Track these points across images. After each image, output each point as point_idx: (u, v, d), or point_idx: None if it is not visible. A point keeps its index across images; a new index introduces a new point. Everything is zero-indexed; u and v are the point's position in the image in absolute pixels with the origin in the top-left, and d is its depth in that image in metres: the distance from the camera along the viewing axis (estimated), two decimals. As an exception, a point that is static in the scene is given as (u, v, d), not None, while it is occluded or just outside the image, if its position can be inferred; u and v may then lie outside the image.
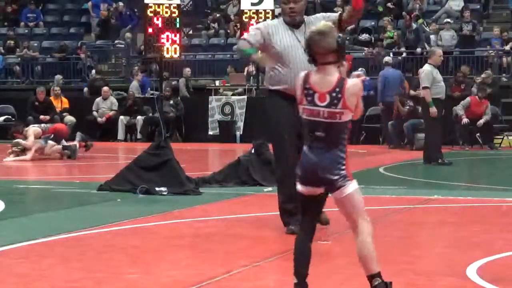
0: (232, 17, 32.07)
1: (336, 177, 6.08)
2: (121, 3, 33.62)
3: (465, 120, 22.83)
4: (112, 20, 33.72)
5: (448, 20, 29.77)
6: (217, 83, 28.43)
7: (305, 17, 9.60)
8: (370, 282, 6.01)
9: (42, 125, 20.42)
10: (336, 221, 9.28)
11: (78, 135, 20.36)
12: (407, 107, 22.74)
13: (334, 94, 6.08)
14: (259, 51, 9.61)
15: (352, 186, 6.14)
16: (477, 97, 23.35)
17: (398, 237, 8.98)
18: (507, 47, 28.68)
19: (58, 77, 30.00)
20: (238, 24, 27.86)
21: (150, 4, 20.29)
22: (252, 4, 23.46)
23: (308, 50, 6.29)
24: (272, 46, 9.34)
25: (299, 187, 6.16)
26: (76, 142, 19.90)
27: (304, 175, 6.19)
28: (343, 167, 6.12)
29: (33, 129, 19.50)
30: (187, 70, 28.61)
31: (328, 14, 9.81)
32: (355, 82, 6.17)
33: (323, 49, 6.13)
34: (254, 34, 9.68)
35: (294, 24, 9.43)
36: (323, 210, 7.58)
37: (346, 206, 6.18)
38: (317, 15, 9.90)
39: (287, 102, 9.14)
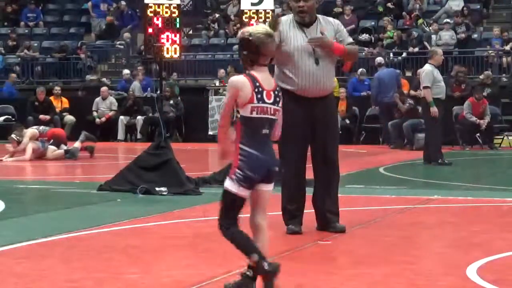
0: (232, 17, 32.13)
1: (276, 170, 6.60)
2: (123, 3, 33.68)
3: (480, 122, 22.89)
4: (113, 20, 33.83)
5: (448, 20, 29.81)
6: (217, 83, 28.44)
7: (319, 16, 9.49)
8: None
9: (41, 127, 20.40)
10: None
11: (83, 134, 20.36)
12: (407, 105, 22.76)
13: (276, 93, 6.52)
14: None
15: None
16: (476, 98, 23.42)
17: (398, 237, 8.98)
18: (507, 47, 28.71)
19: None
20: (238, 24, 27.88)
21: (150, 4, 20.24)
22: (252, 4, 23.39)
23: (252, 50, 6.50)
24: (282, 44, 9.14)
25: (242, 191, 6.41)
26: (78, 143, 19.93)
27: (257, 175, 6.42)
28: None
29: (30, 131, 19.54)
30: (174, 74, 28.78)
31: (343, 31, 9.67)
32: None
33: (270, 52, 6.53)
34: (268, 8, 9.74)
35: (304, 24, 9.30)
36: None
37: (267, 197, 6.62)
38: (332, 20, 9.73)
39: (294, 103, 9.10)
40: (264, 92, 6.41)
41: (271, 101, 6.47)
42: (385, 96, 23.71)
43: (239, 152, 6.41)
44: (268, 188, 6.57)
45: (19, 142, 19.53)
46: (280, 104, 6.56)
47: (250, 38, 6.44)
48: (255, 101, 6.36)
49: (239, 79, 6.47)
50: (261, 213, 6.68)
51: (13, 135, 19.88)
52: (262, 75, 6.46)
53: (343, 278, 7.13)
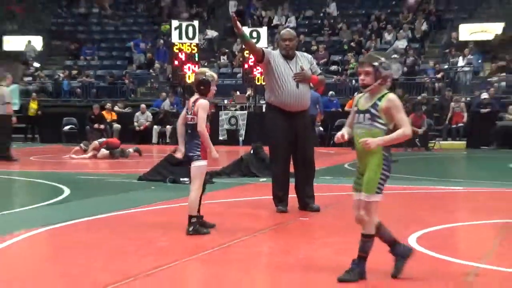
0: (236, 52, 32.16)
1: (191, 154, 7.76)
2: (161, 41, 33.76)
3: (418, 130, 23.20)
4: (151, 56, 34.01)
5: (395, 55, 29.78)
6: (225, 101, 28.52)
7: (297, 52, 9.57)
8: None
9: (99, 140, 20.50)
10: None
11: (135, 148, 20.58)
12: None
13: (192, 106, 7.74)
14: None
15: (198, 163, 7.82)
16: (416, 114, 23.57)
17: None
18: (439, 76, 28.81)
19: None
20: (240, 58, 27.97)
21: (176, 43, 20.28)
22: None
23: (192, 82, 8.01)
24: (271, 69, 9.25)
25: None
26: (131, 149, 20.11)
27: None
28: (198, 150, 7.73)
29: (93, 144, 19.78)
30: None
31: (314, 64, 9.76)
32: (203, 102, 7.72)
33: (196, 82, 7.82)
34: (264, 48, 9.87)
35: (287, 56, 9.39)
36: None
37: (192, 172, 7.92)
38: (306, 54, 9.86)
39: (281, 115, 9.18)
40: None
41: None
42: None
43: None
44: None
45: (85, 151, 19.76)
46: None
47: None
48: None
49: None
50: None
51: (82, 145, 20.18)
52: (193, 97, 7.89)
53: (318, 246, 7.15)
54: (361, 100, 5.59)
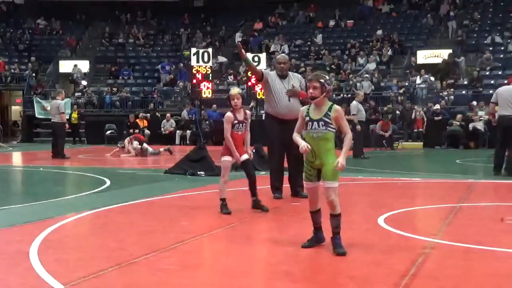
0: (241, 73, 32.15)
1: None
2: (181, 64, 33.77)
3: (385, 134, 23.25)
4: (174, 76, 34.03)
5: (367, 75, 29.85)
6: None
7: (290, 72, 9.55)
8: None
9: (129, 137, 20.88)
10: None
11: (166, 148, 20.80)
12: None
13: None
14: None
15: (222, 158, 7.86)
16: (383, 120, 23.64)
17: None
18: (401, 91, 28.80)
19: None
20: (244, 77, 27.97)
21: (194, 66, 20.26)
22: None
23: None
24: (269, 86, 9.27)
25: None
26: (161, 149, 20.36)
27: None
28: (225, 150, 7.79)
29: (126, 140, 20.34)
30: (214, 106, 28.78)
31: (303, 82, 9.72)
32: (225, 115, 7.72)
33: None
34: (262, 69, 9.92)
35: (282, 76, 9.38)
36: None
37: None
38: (297, 74, 9.86)
39: (277, 123, 9.15)
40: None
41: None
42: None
43: None
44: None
45: (123, 147, 20.03)
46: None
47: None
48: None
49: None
50: None
51: (119, 144, 20.89)
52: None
53: (306, 225, 7.11)
54: (311, 111, 5.59)
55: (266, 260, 5.39)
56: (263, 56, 24.94)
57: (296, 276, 4.82)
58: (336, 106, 5.60)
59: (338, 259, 5.31)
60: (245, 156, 7.90)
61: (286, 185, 9.48)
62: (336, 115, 5.52)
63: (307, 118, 5.58)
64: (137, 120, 27.35)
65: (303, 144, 5.52)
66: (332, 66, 32.21)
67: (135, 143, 19.94)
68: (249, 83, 24.72)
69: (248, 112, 8.04)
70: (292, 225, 7.06)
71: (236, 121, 7.76)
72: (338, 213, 5.56)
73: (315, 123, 5.53)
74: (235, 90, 7.85)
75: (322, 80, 5.54)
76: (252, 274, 4.93)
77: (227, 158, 7.85)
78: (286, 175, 9.53)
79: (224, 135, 7.79)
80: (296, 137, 5.68)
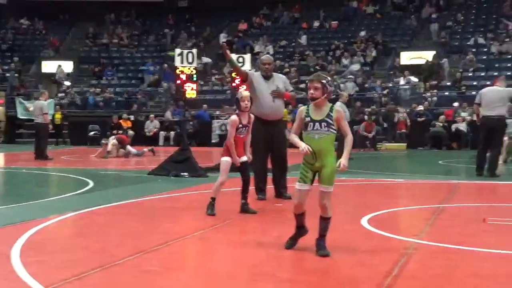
0: (226, 74, 32.12)
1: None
2: (165, 65, 33.70)
3: (368, 135, 23.36)
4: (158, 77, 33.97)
5: (351, 76, 29.95)
6: (217, 112, 28.50)
7: (274, 73, 9.55)
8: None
9: (111, 137, 20.85)
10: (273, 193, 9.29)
11: (150, 148, 20.88)
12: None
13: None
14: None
15: (221, 159, 7.72)
16: (367, 121, 23.77)
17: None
18: (384, 92, 28.92)
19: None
20: (229, 78, 27.95)
21: (178, 66, 20.21)
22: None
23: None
24: (253, 86, 9.25)
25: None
26: (145, 149, 20.37)
27: None
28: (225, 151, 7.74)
29: (110, 139, 20.13)
30: (205, 106, 28.79)
31: (287, 83, 9.72)
32: (230, 117, 7.70)
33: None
34: (247, 70, 9.94)
35: (266, 77, 9.38)
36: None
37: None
38: (281, 75, 9.88)
39: (261, 123, 9.12)
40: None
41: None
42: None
43: None
44: None
45: (107, 144, 20.08)
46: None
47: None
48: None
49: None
50: None
51: (103, 141, 21.03)
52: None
53: (289, 226, 7.12)
54: (311, 112, 5.49)
55: (249, 262, 5.39)
56: (247, 57, 24.90)
57: (279, 278, 4.83)
58: (337, 107, 5.55)
59: (321, 260, 5.32)
60: (243, 158, 7.88)
61: (270, 186, 9.48)
62: (338, 116, 5.46)
63: (308, 119, 5.47)
64: (120, 121, 27.26)
65: (303, 146, 5.40)
66: (317, 67, 32.25)
67: (113, 141, 19.91)
68: (233, 84, 24.70)
69: (252, 116, 8.03)
70: (276, 227, 7.06)
71: (240, 125, 7.76)
72: (329, 216, 5.55)
73: (317, 124, 5.44)
74: (246, 92, 7.94)
75: (324, 81, 5.47)
76: (235, 276, 4.92)
77: (227, 159, 7.76)
78: (270, 176, 9.53)
79: (227, 139, 7.75)
80: (294, 138, 5.54)
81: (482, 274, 4.92)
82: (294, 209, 5.73)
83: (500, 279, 4.80)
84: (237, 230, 7.02)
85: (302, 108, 5.62)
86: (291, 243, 5.75)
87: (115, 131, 25.50)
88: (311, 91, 5.47)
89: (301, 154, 5.51)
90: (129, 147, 20.15)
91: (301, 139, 5.55)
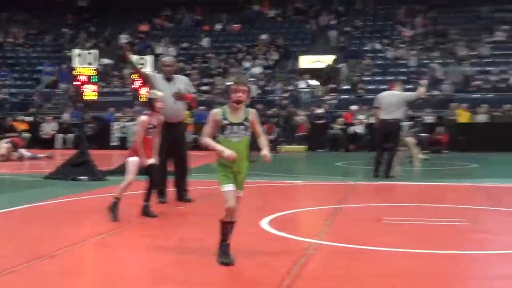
0: (126, 75, 31.60)
1: None
2: (64, 65, 32.84)
3: (269, 136, 23.65)
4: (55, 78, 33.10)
5: (252, 79, 30.20)
6: (120, 114, 28.13)
7: (175, 75, 9.52)
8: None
9: (5, 140, 20.18)
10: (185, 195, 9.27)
11: (49, 153, 20.35)
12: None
13: None
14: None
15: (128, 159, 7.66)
16: (268, 124, 24.03)
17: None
18: (286, 95, 29.33)
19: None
20: (129, 80, 27.55)
21: (77, 67, 19.75)
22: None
23: None
24: (154, 88, 9.08)
25: None
26: (41, 155, 19.71)
27: None
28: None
29: (2, 141, 19.44)
30: (111, 109, 28.27)
31: (190, 84, 9.70)
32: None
33: None
34: (148, 72, 9.87)
35: (168, 79, 9.33)
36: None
37: None
38: (183, 77, 9.87)
39: (164, 127, 8.93)
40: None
41: None
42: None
43: None
44: None
45: None
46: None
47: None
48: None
49: None
50: None
51: None
52: None
53: (191, 229, 7.13)
54: (228, 114, 5.36)
55: (149, 265, 5.35)
56: (149, 58, 24.65)
57: (178, 281, 4.82)
58: (253, 110, 5.51)
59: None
60: (152, 160, 7.79)
61: (171, 189, 9.43)
62: (253, 118, 5.44)
63: (226, 122, 5.34)
64: (14, 123, 26.42)
65: (229, 152, 5.24)
66: (219, 69, 32.37)
67: (7, 144, 19.24)
68: (134, 86, 24.37)
69: (162, 117, 8.01)
70: (178, 230, 7.04)
71: (150, 125, 7.74)
72: (235, 220, 5.48)
73: (235, 127, 5.35)
74: (159, 93, 8.03)
75: (248, 85, 5.48)
76: (134, 280, 4.88)
77: (134, 159, 7.65)
78: (171, 179, 9.48)
79: (136, 138, 7.67)
80: (211, 142, 5.32)
81: (382, 273, 5.07)
82: (226, 216, 5.33)
83: (403, 278, 4.95)
84: (138, 234, 6.94)
85: (216, 111, 5.43)
86: (228, 261, 5.29)
87: (7, 134, 24.70)
88: (239, 94, 5.32)
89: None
90: (22, 150, 19.52)
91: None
